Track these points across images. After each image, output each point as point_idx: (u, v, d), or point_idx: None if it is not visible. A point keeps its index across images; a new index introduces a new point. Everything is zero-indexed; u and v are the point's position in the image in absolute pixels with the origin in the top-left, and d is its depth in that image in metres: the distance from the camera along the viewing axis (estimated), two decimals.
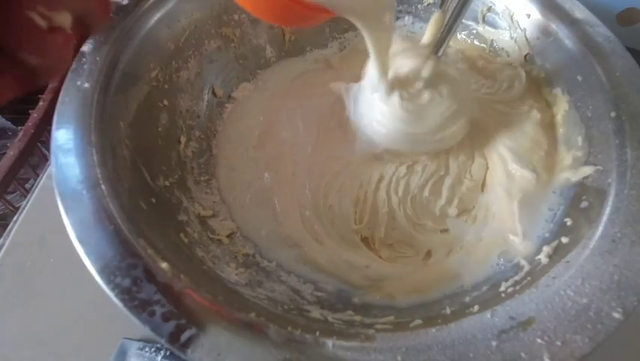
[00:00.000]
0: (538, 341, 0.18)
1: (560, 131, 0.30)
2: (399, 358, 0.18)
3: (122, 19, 0.30)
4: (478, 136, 0.32)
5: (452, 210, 0.31)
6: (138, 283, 0.20)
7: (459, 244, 0.30)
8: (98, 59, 0.27)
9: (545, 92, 0.32)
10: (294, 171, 0.33)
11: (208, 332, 0.18)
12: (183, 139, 0.33)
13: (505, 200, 0.29)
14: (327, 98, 0.36)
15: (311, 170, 0.33)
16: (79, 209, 0.22)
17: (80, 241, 0.21)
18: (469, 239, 0.29)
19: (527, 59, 0.33)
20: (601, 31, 0.29)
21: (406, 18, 0.39)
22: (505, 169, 0.30)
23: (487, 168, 0.31)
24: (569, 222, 0.25)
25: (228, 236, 0.30)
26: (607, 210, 0.22)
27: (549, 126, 0.31)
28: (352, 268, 0.28)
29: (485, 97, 0.33)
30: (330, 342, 0.19)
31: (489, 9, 0.34)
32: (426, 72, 0.28)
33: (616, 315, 0.19)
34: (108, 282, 0.20)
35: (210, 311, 0.19)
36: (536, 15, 0.31)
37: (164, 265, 0.21)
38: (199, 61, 0.35)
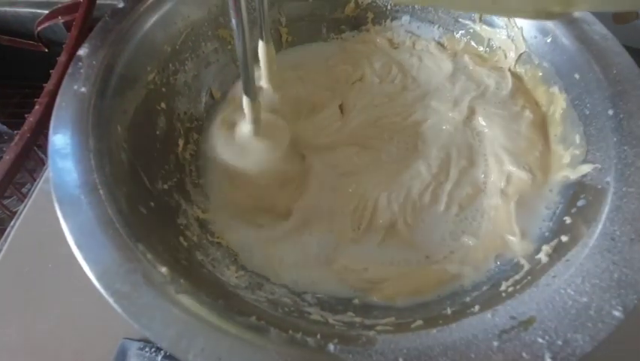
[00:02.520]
0: (540, 340, 0.18)
1: (559, 129, 0.30)
2: (400, 360, 0.18)
3: (118, 23, 0.29)
4: (477, 140, 0.32)
5: (451, 213, 0.31)
6: (138, 288, 0.20)
7: (458, 245, 0.30)
8: (94, 62, 0.27)
9: (543, 90, 0.32)
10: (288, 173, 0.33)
11: (208, 337, 0.18)
12: (181, 142, 0.33)
13: (503, 201, 0.30)
14: (323, 95, 0.36)
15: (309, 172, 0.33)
16: (77, 214, 0.22)
17: (79, 247, 0.20)
18: (468, 240, 0.29)
19: (522, 58, 0.33)
20: (597, 29, 0.29)
21: (404, 18, 0.39)
22: (502, 170, 0.30)
23: (486, 171, 0.31)
24: (568, 220, 0.25)
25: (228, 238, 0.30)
26: (606, 209, 0.22)
27: (542, 126, 0.31)
28: (350, 272, 0.28)
29: (475, 100, 0.33)
30: (331, 345, 0.19)
31: None
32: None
33: (616, 313, 0.19)
34: (107, 287, 0.20)
35: (210, 315, 0.19)
36: None
37: (164, 269, 0.20)
38: (196, 63, 0.35)
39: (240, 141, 0.30)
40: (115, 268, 0.20)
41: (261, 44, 0.30)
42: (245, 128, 0.29)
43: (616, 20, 0.32)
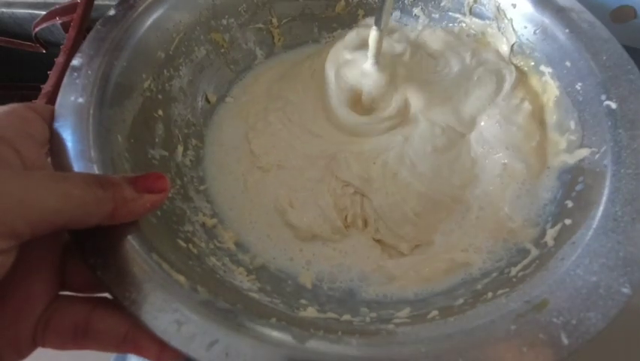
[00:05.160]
0: (555, 321, 0.19)
1: (553, 117, 0.30)
2: (423, 349, 0.19)
3: (110, 31, 0.29)
4: (477, 131, 0.33)
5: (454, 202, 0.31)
6: (156, 297, 0.19)
7: (462, 234, 0.30)
8: (89, 72, 0.27)
9: (536, 80, 0.32)
10: (280, 172, 0.33)
11: (233, 342, 0.18)
12: (180, 148, 0.32)
13: (500, 190, 0.30)
14: (311, 93, 0.36)
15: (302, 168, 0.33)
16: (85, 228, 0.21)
17: (92, 261, 0.20)
18: (471, 229, 0.30)
19: (514, 49, 0.34)
20: (585, 17, 0.29)
21: (394, 13, 0.39)
22: (498, 161, 0.31)
23: (482, 160, 0.32)
24: (569, 204, 0.26)
25: (235, 243, 0.30)
26: (606, 190, 0.23)
27: (539, 115, 0.32)
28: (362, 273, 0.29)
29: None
30: (353, 340, 0.19)
31: (475, 0, 0.35)
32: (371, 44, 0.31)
33: (625, 290, 0.20)
34: (124, 298, 0.19)
35: (231, 320, 0.19)
36: (522, 5, 0.32)
37: (181, 278, 0.20)
38: (190, 68, 0.35)
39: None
40: (129, 279, 0.20)
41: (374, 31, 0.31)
42: (365, 61, 0.32)
43: (614, 19, 0.33)
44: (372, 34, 0.30)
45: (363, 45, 0.34)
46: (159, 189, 0.21)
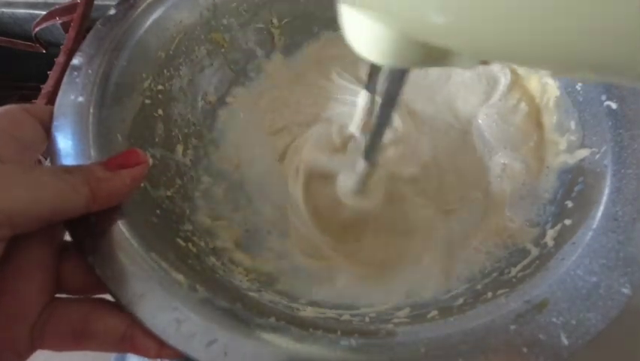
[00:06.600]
0: (555, 321, 0.19)
1: (553, 117, 0.30)
2: (422, 350, 0.19)
3: (110, 30, 0.29)
4: (476, 133, 0.33)
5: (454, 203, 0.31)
6: (154, 296, 0.19)
7: (462, 234, 0.30)
8: (90, 71, 0.27)
9: (536, 81, 0.32)
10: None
11: (232, 341, 0.18)
12: (180, 148, 0.32)
13: (500, 191, 0.30)
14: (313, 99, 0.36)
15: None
16: (84, 226, 0.21)
17: (90, 259, 0.20)
18: (467, 232, 0.30)
19: None
20: None
21: None
22: (498, 162, 0.31)
23: (483, 161, 0.32)
24: (569, 204, 0.26)
25: (235, 243, 0.30)
26: (606, 190, 0.23)
27: (537, 116, 0.32)
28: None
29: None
30: (353, 340, 0.19)
31: None
32: (355, 184, 0.27)
33: (625, 290, 0.19)
34: (123, 297, 0.19)
35: (231, 319, 0.19)
36: None
37: (180, 276, 0.20)
38: (190, 68, 0.35)
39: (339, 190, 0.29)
40: (128, 277, 0.20)
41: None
42: (347, 182, 0.28)
43: None
44: (359, 166, 0.25)
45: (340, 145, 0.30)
46: (134, 162, 0.21)
